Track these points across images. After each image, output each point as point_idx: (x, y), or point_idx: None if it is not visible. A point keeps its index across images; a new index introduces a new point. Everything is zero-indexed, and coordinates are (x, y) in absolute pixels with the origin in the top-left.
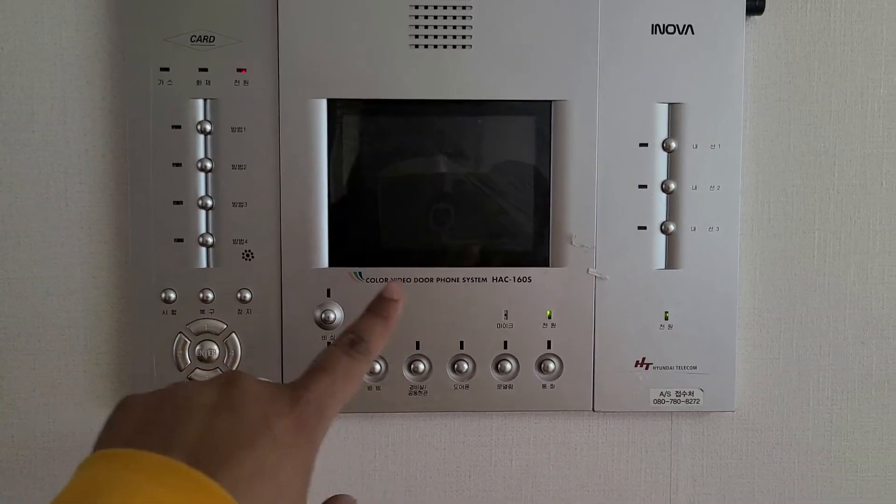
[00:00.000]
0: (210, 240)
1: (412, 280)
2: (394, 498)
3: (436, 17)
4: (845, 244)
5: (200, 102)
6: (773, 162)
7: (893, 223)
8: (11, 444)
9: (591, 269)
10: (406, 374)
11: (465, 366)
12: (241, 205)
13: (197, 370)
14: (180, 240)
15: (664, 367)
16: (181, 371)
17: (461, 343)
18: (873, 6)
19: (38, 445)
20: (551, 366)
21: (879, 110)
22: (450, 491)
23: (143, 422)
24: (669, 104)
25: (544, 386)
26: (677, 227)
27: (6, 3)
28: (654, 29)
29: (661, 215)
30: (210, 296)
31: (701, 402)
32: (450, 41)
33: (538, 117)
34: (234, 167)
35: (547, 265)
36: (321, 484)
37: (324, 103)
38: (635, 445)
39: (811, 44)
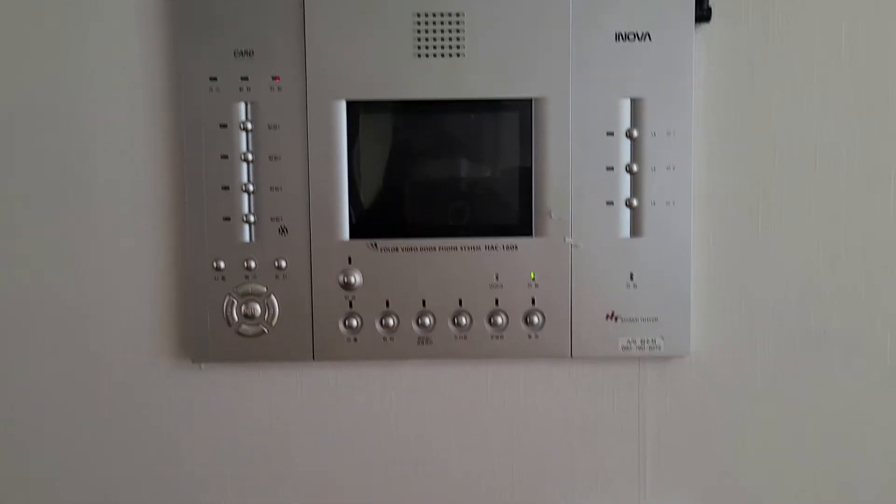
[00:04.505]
0: (252, 218)
1: (419, 249)
2: (406, 433)
3: (434, 31)
4: (786, 217)
5: (242, 105)
6: (720, 146)
7: (827, 200)
8: (91, 397)
9: (567, 238)
10: (414, 327)
11: (464, 320)
12: (276, 189)
13: (243, 325)
14: (227, 218)
15: (630, 319)
16: (230, 326)
17: (460, 301)
18: (806, 14)
19: (113, 397)
20: (536, 319)
21: (812, 102)
22: (452, 428)
23: None
24: (632, 99)
25: (530, 336)
26: (640, 202)
27: (86, 34)
28: (618, 37)
29: (626, 192)
30: (253, 264)
31: (662, 348)
32: (447, 50)
33: (521, 113)
34: (270, 158)
35: (531, 235)
36: (346, 421)
37: (343, 104)
38: (608, 387)
39: (753, 45)
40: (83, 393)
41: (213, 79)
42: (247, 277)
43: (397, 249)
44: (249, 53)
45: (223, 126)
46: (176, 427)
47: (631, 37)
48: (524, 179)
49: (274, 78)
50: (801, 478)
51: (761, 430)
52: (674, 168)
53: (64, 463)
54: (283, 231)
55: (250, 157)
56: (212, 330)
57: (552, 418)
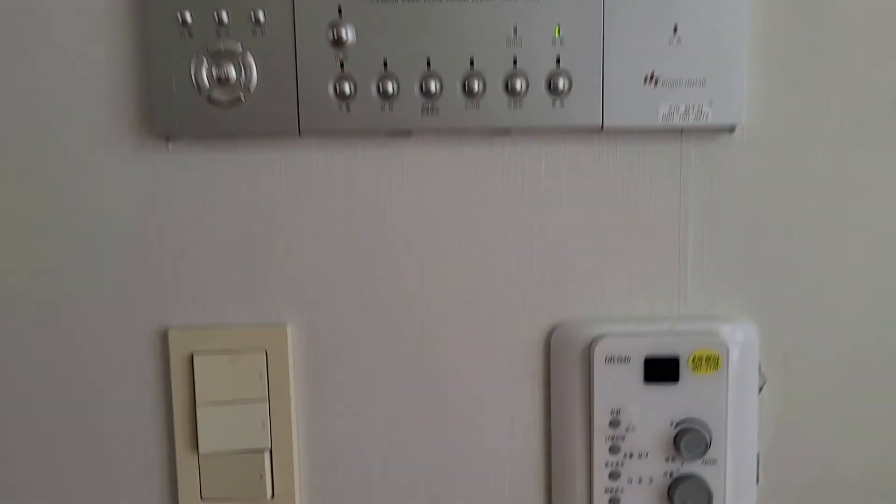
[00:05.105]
0: None
1: None
2: (408, 222)
3: None
4: None
5: None
6: None
7: None
8: (43, 185)
9: None
10: (417, 93)
11: (476, 84)
12: None
13: (215, 91)
14: None
15: (673, 82)
16: (200, 93)
17: (471, 60)
18: None
19: (68, 184)
20: (561, 83)
21: None
22: (462, 217)
23: None
24: None
25: (554, 104)
26: None
27: None
28: None
29: None
30: (224, 17)
31: (710, 116)
32: None
33: None
34: None
35: None
36: (337, 208)
37: None
38: (645, 169)
39: None
40: (33, 178)
41: None
42: (218, 34)
43: None
44: None
45: None
46: (142, 217)
47: None
48: None
49: None
50: (867, 273)
51: (823, 219)
52: None
53: (11, 259)
54: None
55: None
56: (179, 98)
57: (578, 206)
